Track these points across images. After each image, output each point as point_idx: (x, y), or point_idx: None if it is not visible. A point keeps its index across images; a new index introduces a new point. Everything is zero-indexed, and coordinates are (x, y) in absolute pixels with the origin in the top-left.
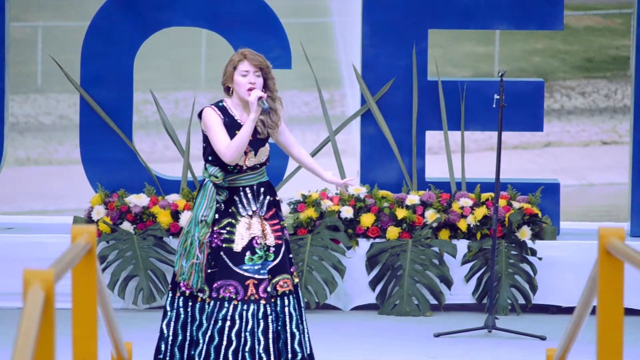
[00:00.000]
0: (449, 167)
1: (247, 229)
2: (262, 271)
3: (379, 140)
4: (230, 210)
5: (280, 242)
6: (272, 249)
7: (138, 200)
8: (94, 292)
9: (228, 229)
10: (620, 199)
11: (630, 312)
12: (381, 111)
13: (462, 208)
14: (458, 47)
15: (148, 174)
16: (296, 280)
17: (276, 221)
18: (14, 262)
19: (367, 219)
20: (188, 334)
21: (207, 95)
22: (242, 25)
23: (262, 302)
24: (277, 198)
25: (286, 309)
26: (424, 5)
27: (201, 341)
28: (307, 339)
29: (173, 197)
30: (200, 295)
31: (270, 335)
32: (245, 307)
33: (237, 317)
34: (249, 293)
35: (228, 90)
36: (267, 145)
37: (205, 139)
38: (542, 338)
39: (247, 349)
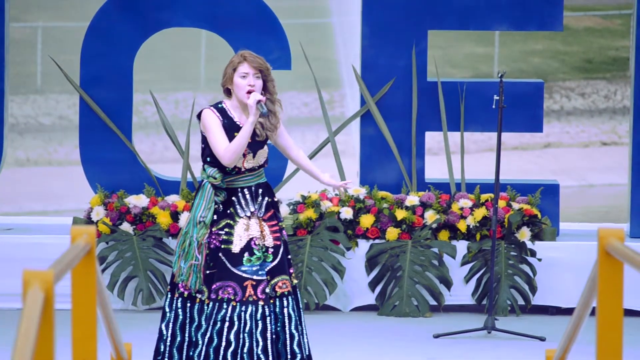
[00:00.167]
0: (448, 168)
1: (246, 230)
2: (260, 272)
3: (379, 141)
4: (228, 211)
5: (278, 243)
6: (271, 250)
7: (137, 201)
8: (93, 292)
9: (226, 230)
10: (620, 199)
11: (629, 313)
12: (381, 112)
13: (461, 209)
14: (457, 48)
15: (147, 175)
16: (295, 281)
17: (274, 222)
18: (13, 262)
19: (366, 220)
20: (187, 335)
21: (206, 96)
22: (241, 26)
23: (261, 303)
24: (276, 199)
25: (285, 310)
26: (423, 6)
27: (200, 342)
28: (305, 340)
29: (172, 198)
30: (199, 296)
31: (269, 336)
32: (243, 308)
33: (235, 318)
34: (247, 294)
35: (227, 92)
36: (265, 147)
37: (204, 140)
38: (542, 339)
39: (245, 350)
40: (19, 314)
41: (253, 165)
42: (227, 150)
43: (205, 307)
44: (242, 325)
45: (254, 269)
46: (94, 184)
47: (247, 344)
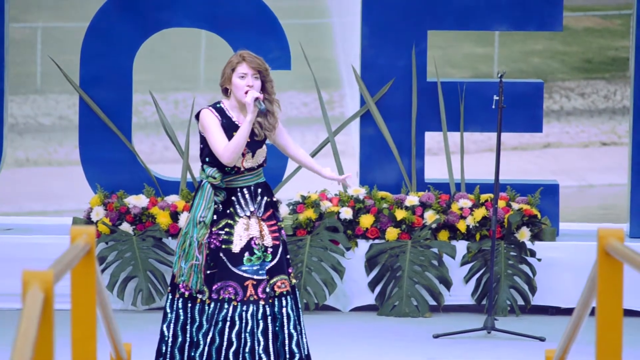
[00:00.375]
0: (448, 168)
1: (246, 229)
2: (260, 272)
3: (378, 141)
4: (228, 211)
5: (277, 242)
6: (270, 250)
7: (137, 201)
8: (93, 293)
9: (226, 230)
10: (620, 200)
11: (629, 313)
12: (380, 112)
13: (461, 209)
14: (457, 48)
15: (147, 175)
16: (294, 281)
17: (273, 222)
18: (13, 262)
19: (366, 220)
20: (188, 335)
21: (206, 96)
22: (241, 26)
23: (261, 302)
24: (274, 199)
25: (284, 310)
26: (423, 6)
27: (202, 342)
28: (304, 339)
29: (172, 198)
30: (200, 296)
31: (270, 336)
32: (244, 307)
33: (236, 318)
34: (248, 294)
35: (226, 92)
36: (264, 147)
37: (203, 141)
38: (541, 339)
39: (247, 349)
40: (18, 314)
41: (252, 164)
42: (226, 148)
43: (207, 308)
44: (244, 325)
45: (255, 268)
46: (94, 184)
47: (248, 344)
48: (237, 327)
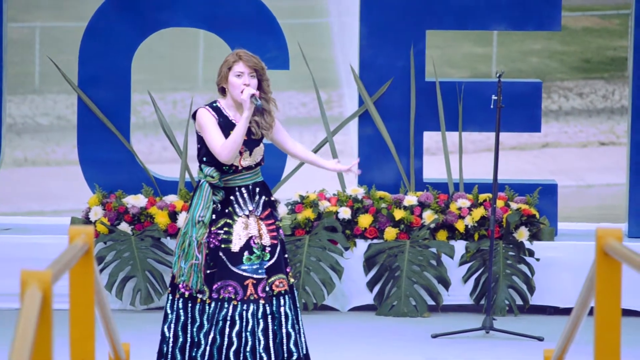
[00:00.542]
0: (446, 168)
1: (245, 228)
2: (260, 271)
3: (377, 141)
4: (227, 210)
5: (275, 242)
6: (268, 249)
7: (136, 201)
8: (91, 293)
9: (225, 229)
10: (618, 199)
11: (627, 313)
12: (379, 112)
13: (459, 209)
14: (456, 47)
15: (146, 175)
16: (292, 280)
17: (271, 221)
18: (11, 262)
19: (364, 220)
20: (189, 335)
21: (204, 96)
22: (240, 26)
23: (262, 301)
24: (272, 198)
25: (282, 309)
26: (421, 6)
27: (203, 342)
28: (303, 339)
29: (171, 198)
30: (200, 296)
31: (270, 335)
32: (245, 307)
33: (237, 317)
34: (248, 293)
35: (222, 91)
36: (261, 145)
37: (200, 140)
38: (540, 339)
39: (248, 348)
40: (16, 314)
41: (250, 163)
42: (223, 146)
43: (207, 307)
44: (244, 324)
45: (254, 267)
46: (92, 184)
47: (249, 343)
48: (237, 327)
